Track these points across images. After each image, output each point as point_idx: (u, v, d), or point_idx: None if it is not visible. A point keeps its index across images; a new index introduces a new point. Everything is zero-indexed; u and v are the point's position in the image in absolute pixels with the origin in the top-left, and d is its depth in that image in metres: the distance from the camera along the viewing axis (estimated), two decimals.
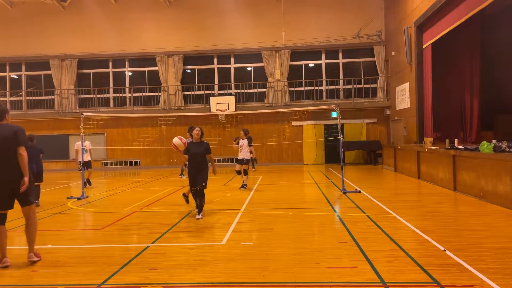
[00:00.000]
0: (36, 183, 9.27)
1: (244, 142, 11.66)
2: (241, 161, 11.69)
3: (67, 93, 21.77)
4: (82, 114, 11.92)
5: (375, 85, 20.94)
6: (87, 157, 12.83)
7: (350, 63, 21.53)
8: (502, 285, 3.82)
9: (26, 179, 4.98)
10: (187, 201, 9.02)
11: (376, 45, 20.65)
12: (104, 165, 21.35)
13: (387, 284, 3.94)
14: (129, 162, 21.20)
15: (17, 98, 22.37)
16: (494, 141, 9.34)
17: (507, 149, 8.32)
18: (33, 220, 5.19)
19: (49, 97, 22.08)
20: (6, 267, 4.92)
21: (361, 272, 4.28)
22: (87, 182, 12.91)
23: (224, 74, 21.96)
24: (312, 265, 4.56)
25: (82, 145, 11.61)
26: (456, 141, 11.61)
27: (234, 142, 13.03)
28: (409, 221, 6.70)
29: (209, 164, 8.07)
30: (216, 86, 21.79)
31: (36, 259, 5.10)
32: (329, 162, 20.66)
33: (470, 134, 14.13)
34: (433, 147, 12.27)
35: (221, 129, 20.56)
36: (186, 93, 21.79)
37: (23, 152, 4.96)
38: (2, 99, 22.46)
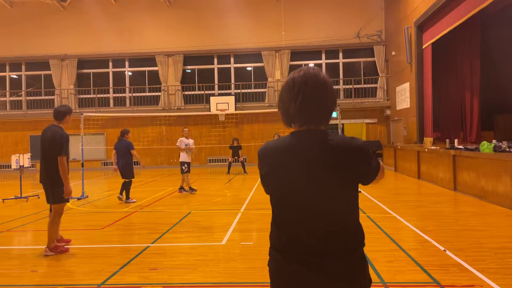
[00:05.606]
0: (126, 179, 9.70)
1: None
2: None
3: (67, 93, 21.76)
4: (82, 114, 11.93)
5: (375, 85, 20.93)
6: (188, 157, 11.01)
7: (350, 63, 21.53)
8: (502, 285, 3.81)
9: (64, 186, 5.25)
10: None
11: (376, 45, 20.64)
12: (104, 165, 21.34)
13: (387, 284, 3.94)
14: None
15: (17, 98, 22.36)
16: (494, 141, 9.34)
17: (507, 149, 8.32)
18: (54, 218, 5.38)
19: (49, 97, 22.06)
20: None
21: None
22: (190, 190, 10.93)
23: (224, 74, 21.95)
24: None
25: (82, 145, 11.57)
26: (456, 141, 11.61)
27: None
28: (409, 221, 6.70)
29: None
30: (216, 86, 21.78)
31: (48, 253, 5.27)
32: None
33: (470, 134, 14.13)
34: (433, 147, 12.26)
35: (221, 129, 20.55)
36: (186, 93, 21.78)
37: (60, 161, 5.21)
38: (2, 99, 22.47)
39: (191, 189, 10.92)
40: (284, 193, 1.69)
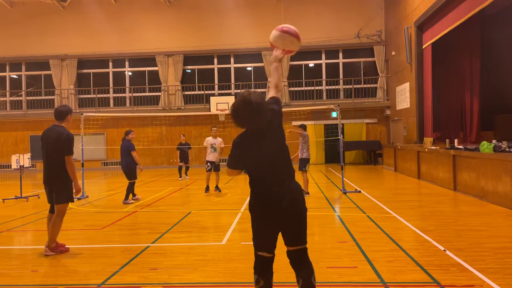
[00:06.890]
0: (130, 180, 9.68)
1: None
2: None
3: (67, 93, 21.76)
4: (82, 114, 11.92)
5: (375, 85, 20.93)
6: (214, 157, 10.89)
7: (350, 63, 21.53)
8: (502, 285, 3.81)
9: (73, 184, 5.32)
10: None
11: (376, 45, 20.64)
12: (104, 165, 21.34)
13: (387, 284, 3.94)
14: None
15: (17, 98, 22.37)
16: (494, 141, 9.34)
17: (507, 149, 8.32)
18: (56, 218, 5.38)
19: (49, 97, 22.07)
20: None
21: (361, 272, 4.28)
22: (216, 189, 10.94)
23: (224, 74, 21.96)
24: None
25: (82, 145, 11.57)
26: (456, 141, 11.61)
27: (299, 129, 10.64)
28: (409, 221, 6.70)
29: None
30: (216, 86, 21.79)
31: (49, 253, 5.29)
32: (329, 162, 20.64)
33: (470, 134, 14.13)
34: (433, 147, 12.27)
35: (221, 129, 20.51)
36: (186, 93, 21.79)
37: (67, 161, 5.24)
38: (2, 99, 22.47)
39: (207, 188, 10.95)
40: (251, 161, 3.01)
